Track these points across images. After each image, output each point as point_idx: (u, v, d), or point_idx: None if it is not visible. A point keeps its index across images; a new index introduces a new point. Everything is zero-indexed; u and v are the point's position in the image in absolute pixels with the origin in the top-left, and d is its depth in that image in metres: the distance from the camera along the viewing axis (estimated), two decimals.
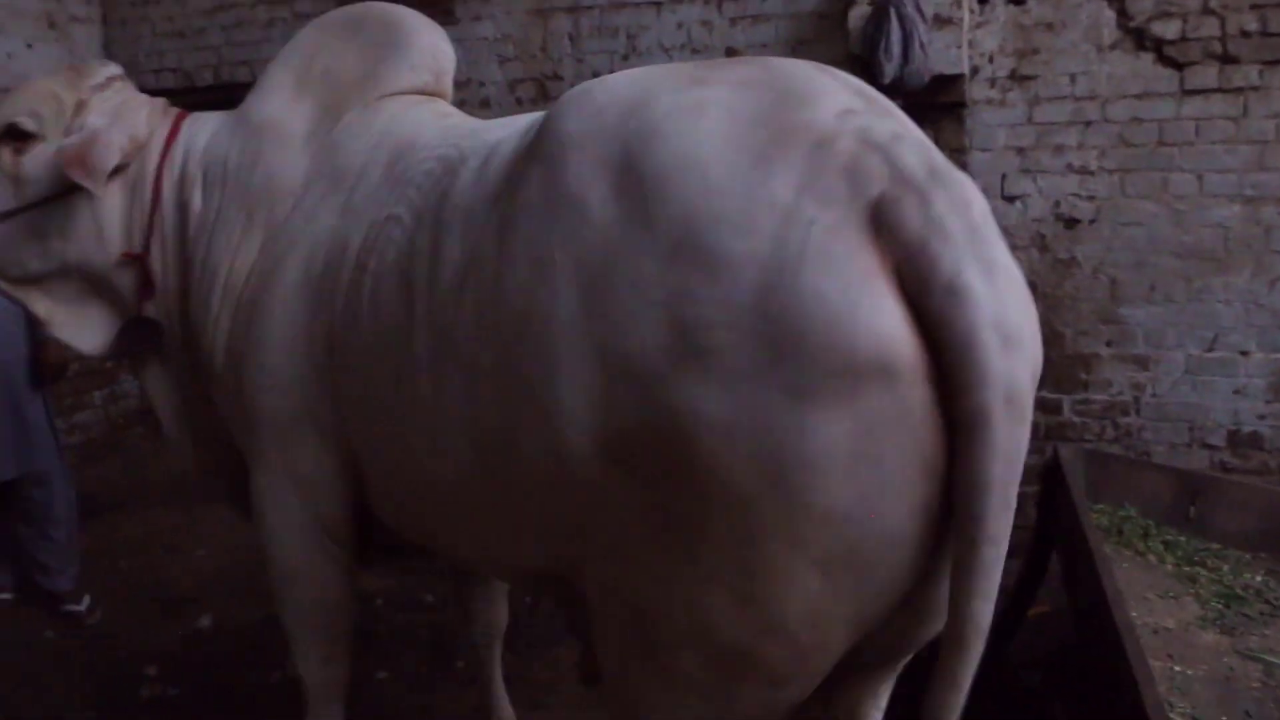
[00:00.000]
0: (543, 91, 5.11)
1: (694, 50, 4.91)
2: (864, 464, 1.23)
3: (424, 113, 2.30)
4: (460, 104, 2.61)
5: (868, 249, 1.24)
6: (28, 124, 2.44)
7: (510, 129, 1.86)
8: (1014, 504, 1.27)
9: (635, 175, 1.38)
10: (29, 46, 5.59)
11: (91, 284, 2.54)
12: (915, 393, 1.23)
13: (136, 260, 2.47)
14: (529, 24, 5.08)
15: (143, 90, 2.70)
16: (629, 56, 4.95)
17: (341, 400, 2.07)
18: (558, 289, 1.42)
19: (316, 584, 2.34)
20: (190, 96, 5.33)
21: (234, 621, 3.82)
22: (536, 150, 1.55)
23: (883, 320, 1.22)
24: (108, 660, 3.60)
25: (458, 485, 1.76)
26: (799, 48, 4.82)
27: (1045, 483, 3.19)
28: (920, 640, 1.54)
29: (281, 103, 2.37)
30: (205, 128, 2.52)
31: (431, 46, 2.46)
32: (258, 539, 2.36)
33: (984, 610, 1.28)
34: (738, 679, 1.42)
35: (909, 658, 1.67)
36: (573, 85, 1.77)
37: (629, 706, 1.55)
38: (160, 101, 2.63)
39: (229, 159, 2.39)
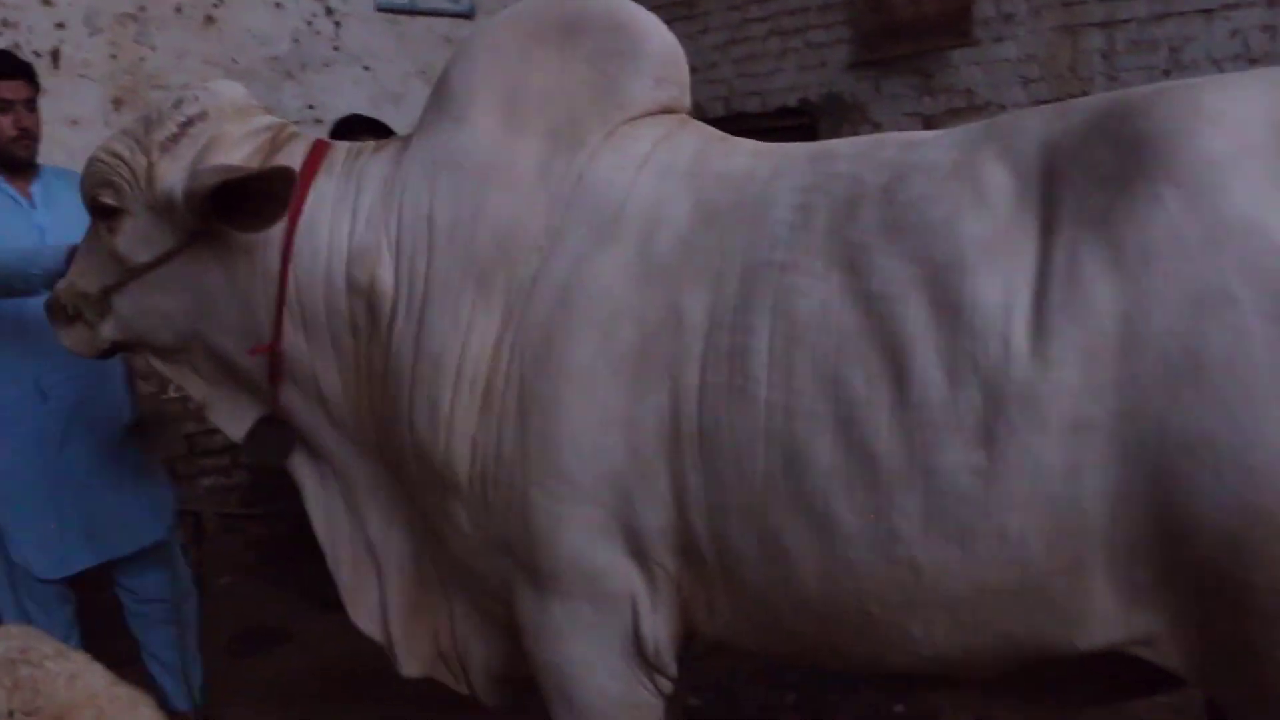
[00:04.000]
0: None
1: (1251, 60, 4.42)
2: None
3: (697, 137, 1.96)
4: None
5: None
6: (107, 199, 2.10)
7: (909, 149, 1.71)
8: None
9: None
10: None
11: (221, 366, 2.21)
12: None
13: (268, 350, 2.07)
14: (1056, 42, 4.85)
15: None
16: (1170, 71, 4.57)
17: (700, 494, 1.73)
18: (1238, 328, 1.38)
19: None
20: None
21: None
22: (1158, 173, 1.46)
23: None
24: None
25: (987, 568, 1.55)
26: None
27: None
28: None
29: (494, 134, 1.92)
30: (366, 177, 2.02)
31: (671, 52, 2.03)
32: (543, 678, 1.98)
33: None
34: None
35: None
36: None
37: None
38: (269, 131, 2.11)
39: (434, 216, 1.92)
